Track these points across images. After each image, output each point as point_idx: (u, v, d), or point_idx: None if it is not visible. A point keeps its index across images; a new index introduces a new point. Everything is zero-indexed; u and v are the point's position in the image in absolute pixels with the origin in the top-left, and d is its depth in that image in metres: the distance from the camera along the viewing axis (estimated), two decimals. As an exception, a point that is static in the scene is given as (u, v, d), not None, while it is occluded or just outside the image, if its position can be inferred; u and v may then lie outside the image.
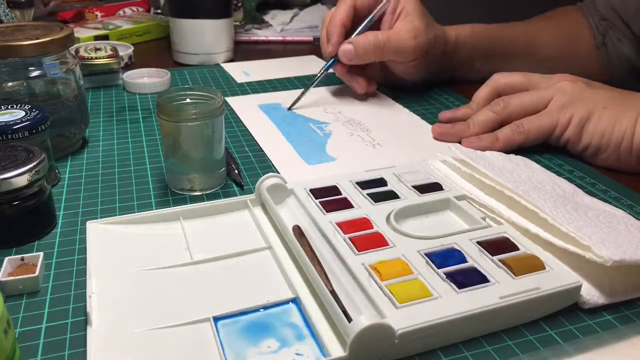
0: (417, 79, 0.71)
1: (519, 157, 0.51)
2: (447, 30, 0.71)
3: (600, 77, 0.65)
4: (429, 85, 0.75)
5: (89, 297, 0.34)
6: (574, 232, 0.36)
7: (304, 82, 0.77)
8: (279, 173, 0.50)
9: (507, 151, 0.53)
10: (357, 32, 0.67)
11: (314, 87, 0.69)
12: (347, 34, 0.67)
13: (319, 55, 0.91)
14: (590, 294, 0.35)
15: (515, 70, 0.62)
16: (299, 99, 0.67)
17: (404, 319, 0.31)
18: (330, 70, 0.69)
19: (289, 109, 0.67)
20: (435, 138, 0.60)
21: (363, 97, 0.71)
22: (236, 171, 0.51)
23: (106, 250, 0.39)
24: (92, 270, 0.36)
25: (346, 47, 0.65)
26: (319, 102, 0.70)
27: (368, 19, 0.67)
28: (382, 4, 0.67)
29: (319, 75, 0.68)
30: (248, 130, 0.62)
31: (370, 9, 0.68)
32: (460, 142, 0.58)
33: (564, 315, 0.35)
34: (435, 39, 0.68)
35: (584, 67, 0.76)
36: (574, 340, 0.33)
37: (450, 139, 0.59)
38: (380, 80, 0.73)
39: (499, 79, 0.61)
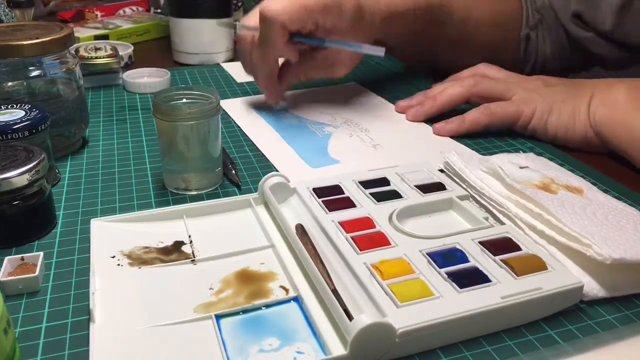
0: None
1: (539, 157, 0.52)
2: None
3: (514, 68, 0.67)
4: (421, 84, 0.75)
5: (92, 294, 0.34)
6: (576, 232, 0.37)
7: (303, 82, 0.77)
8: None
9: (472, 132, 0.59)
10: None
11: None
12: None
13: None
14: (590, 287, 0.36)
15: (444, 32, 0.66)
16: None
17: (404, 318, 0.31)
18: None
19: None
20: (410, 120, 0.64)
21: (358, 98, 0.71)
22: (233, 171, 0.50)
23: (109, 247, 0.39)
24: (95, 268, 0.36)
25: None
26: (315, 103, 0.69)
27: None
28: None
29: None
30: (247, 134, 0.61)
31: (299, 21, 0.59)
32: (432, 122, 0.62)
33: (564, 315, 0.35)
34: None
35: (507, 53, 0.77)
36: (574, 340, 0.33)
37: (421, 118, 0.63)
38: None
39: (483, 69, 0.65)
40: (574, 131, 0.56)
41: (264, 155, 0.56)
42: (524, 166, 0.48)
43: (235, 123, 0.64)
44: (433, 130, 0.61)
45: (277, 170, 0.53)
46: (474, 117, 0.59)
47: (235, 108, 0.68)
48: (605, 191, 0.49)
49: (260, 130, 0.62)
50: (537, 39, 0.77)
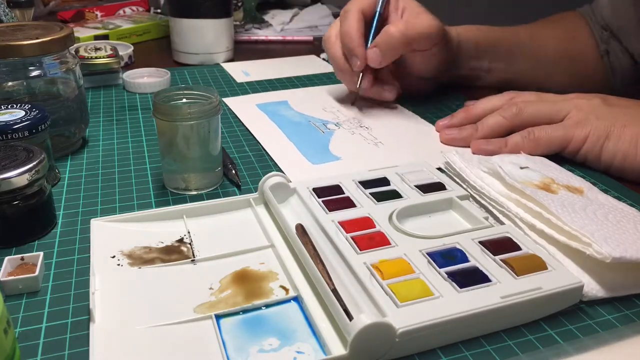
0: (433, 73, 0.68)
1: (539, 158, 0.52)
2: (450, 29, 0.68)
3: (603, 86, 0.64)
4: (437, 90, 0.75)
5: (92, 294, 0.34)
6: (576, 230, 0.37)
7: (303, 82, 0.77)
8: (283, 173, 0.50)
9: None
10: (371, 36, 0.63)
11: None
12: None
13: (319, 55, 0.91)
14: (590, 287, 0.36)
15: (519, 71, 0.61)
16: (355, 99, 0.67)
17: (404, 318, 0.31)
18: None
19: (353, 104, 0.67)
20: (444, 143, 0.58)
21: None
22: (233, 171, 0.50)
23: (109, 247, 0.39)
24: (95, 268, 0.36)
25: (372, 51, 0.61)
26: (317, 101, 0.70)
27: (376, 16, 0.64)
28: None
29: (357, 92, 0.66)
30: (248, 130, 0.62)
31: (375, 6, 0.64)
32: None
33: (564, 315, 0.35)
34: (444, 29, 0.64)
35: (588, 75, 0.74)
36: (574, 340, 0.33)
37: (458, 144, 0.58)
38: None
39: (512, 95, 0.59)
40: (633, 161, 0.49)
41: (264, 154, 0.56)
42: (524, 166, 0.48)
43: (238, 119, 0.64)
44: (472, 147, 0.56)
45: (277, 169, 0.53)
46: (515, 143, 0.53)
47: (239, 105, 0.69)
48: (605, 191, 0.49)
49: (262, 127, 0.62)
50: (615, 52, 0.74)
